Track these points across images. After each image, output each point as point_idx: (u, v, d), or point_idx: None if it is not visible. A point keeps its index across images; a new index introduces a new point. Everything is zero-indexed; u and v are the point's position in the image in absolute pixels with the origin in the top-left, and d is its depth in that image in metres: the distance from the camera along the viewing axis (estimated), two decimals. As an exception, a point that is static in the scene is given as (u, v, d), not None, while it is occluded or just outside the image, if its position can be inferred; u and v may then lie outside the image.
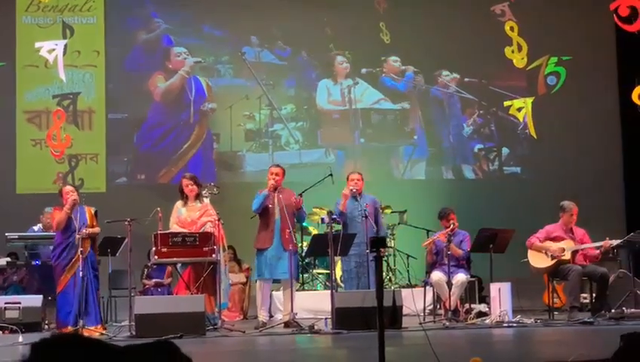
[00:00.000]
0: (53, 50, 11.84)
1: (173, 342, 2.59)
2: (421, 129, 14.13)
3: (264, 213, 9.73)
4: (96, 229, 9.64)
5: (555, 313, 10.07)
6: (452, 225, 10.09)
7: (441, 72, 14.19)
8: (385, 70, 14.09)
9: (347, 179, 10.34)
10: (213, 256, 9.29)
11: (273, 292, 10.56)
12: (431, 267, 10.36)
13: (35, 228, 11.12)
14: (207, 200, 9.91)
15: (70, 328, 9.10)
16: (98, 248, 10.23)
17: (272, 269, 9.64)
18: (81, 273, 9.15)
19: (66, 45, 12.45)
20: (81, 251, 9.14)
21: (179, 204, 9.91)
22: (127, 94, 13.70)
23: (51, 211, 10.25)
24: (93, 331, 9.05)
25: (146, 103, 13.72)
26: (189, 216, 9.80)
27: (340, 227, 10.32)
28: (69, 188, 9.73)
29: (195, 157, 13.68)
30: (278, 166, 10.13)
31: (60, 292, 9.38)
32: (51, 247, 10.59)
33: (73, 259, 9.24)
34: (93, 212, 9.68)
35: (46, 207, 11.02)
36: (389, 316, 8.50)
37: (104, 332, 9.18)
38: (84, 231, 9.34)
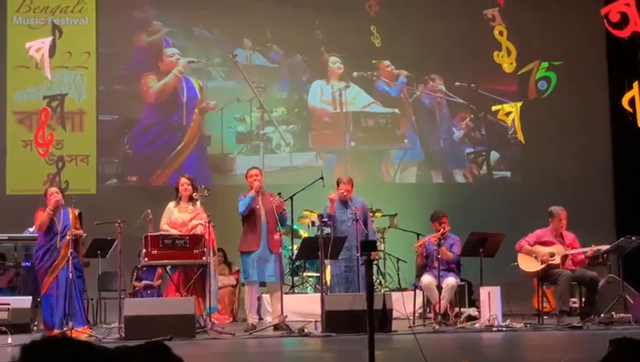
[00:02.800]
0: (40, 48, 11.80)
1: (164, 343, 2.59)
2: (412, 133, 14.14)
3: (250, 215, 9.72)
4: (80, 231, 9.57)
5: (545, 317, 10.08)
6: (443, 229, 10.11)
7: (431, 76, 14.21)
8: (376, 75, 14.10)
9: (337, 184, 10.35)
10: (204, 258, 9.27)
11: (263, 295, 10.56)
12: (421, 270, 10.37)
13: (31, 229, 11.02)
14: (198, 204, 9.89)
15: (57, 330, 9.04)
16: (88, 249, 10.22)
17: (260, 272, 9.63)
18: (65, 275, 9.10)
19: (53, 42, 12.43)
20: (61, 254, 9.09)
21: (171, 204, 9.89)
22: (118, 96, 13.67)
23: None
24: (81, 332, 9.01)
25: (136, 105, 13.70)
26: (180, 216, 9.78)
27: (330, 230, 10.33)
28: (53, 189, 9.64)
29: (189, 159, 13.67)
30: (256, 168, 10.15)
31: (43, 295, 9.34)
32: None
33: (55, 262, 9.19)
34: (77, 214, 9.60)
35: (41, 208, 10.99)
36: (378, 319, 8.52)
37: (91, 333, 9.13)
38: (70, 232, 9.28)
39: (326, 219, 10.00)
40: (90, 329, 9.52)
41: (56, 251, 9.17)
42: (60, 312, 9.14)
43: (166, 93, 13.73)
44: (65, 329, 8.86)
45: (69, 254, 9.11)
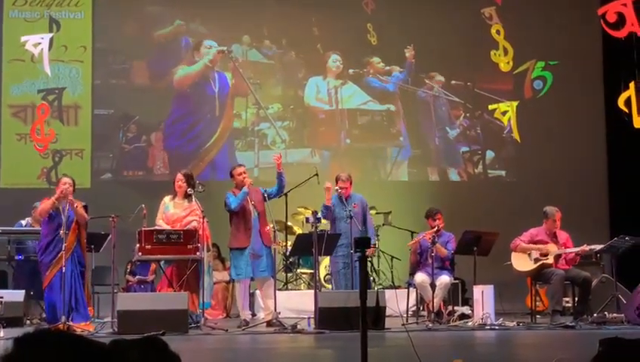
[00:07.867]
0: (39, 44, 11.77)
1: (161, 339, 2.56)
2: (407, 131, 14.14)
3: (240, 211, 9.71)
4: (85, 216, 9.42)
5: (537, 316, 10.10)
6: (438, 226, 10.12)
7: (427, 74, 14.21)
8: (372, 72, 14.09)
9: (336, 181, 10.35)
10: (197, 253, 9.26)
11: (257, 291, 10.56)
12: (414, 268, 10.37)
13: (23, 222, 10.99)
14: (194, 199, 9.87)
15: (61, 325, 8.85)
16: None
17: (254, 268, 9.62)
18: (70, 268, 9.03)
19: (51, 39, 12.41)
20: (66, 246, 9.02)
21: (166, 199, 9.87)
22: (113, 90, 13.65)
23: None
24: (83, 327, 8.93)
25: (133, 99, 13.66)
26: (175, 213, 9.76)
27: (324, 226, 10.33)
28: (66, 179, 9.50)
29: (222, 151, 13.72)
30: (242, 165, 10.22)
31: (45, 288, 9.20)
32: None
33: (59, 254, 9.05)
34: (82, 206, 9.51)
35: (35, 201, 10.95)
36: (372, 317, 8.52)
37: (90, 330, 8.99)
38: (75, 205, 9.15)
39: (324, 211, 10.00)
40: (91, 325, 9.34)
41: (60, 243, 9.05)
42: (62, 306, 8.98)
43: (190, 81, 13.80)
44: (61, 323, 8.74)
45: (72, 247, 9.09)
